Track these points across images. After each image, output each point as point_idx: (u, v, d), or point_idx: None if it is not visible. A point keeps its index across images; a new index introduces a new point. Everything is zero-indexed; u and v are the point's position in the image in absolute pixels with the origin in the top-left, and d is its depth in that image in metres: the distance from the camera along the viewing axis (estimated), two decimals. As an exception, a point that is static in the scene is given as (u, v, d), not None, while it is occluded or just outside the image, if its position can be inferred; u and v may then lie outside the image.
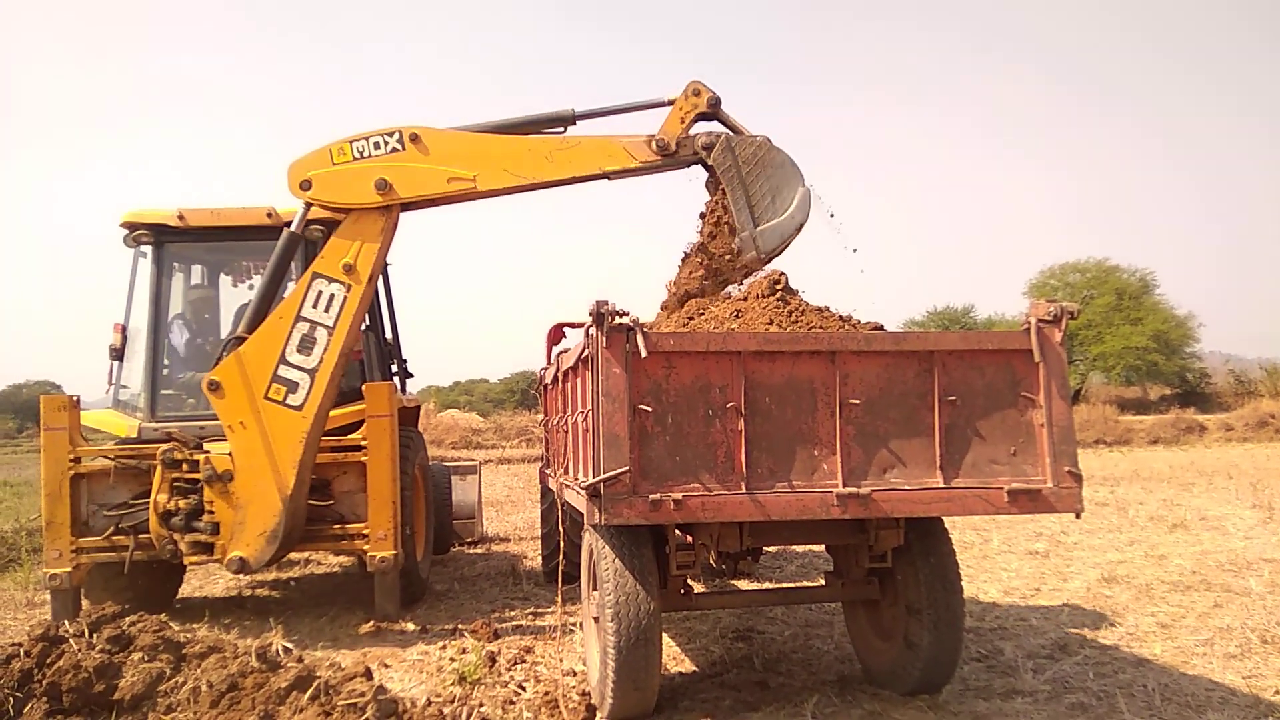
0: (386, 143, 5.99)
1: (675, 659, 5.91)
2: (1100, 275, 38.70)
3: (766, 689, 5.20)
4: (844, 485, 4.18)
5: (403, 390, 8.72)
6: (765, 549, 9.10)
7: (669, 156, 5.90)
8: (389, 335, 8.59)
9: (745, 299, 5.19)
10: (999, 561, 9.02)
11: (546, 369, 7.25)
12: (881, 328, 4.99)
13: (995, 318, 42.69)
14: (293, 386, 6.08)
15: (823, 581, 5.55)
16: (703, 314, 5.29)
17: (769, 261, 5.69)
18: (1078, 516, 4.38)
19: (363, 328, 7.90)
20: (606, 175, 6.01)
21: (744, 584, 8.01)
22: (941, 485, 4.25)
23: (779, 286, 5.14)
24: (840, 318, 4.99)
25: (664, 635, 6.28)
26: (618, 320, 4.15)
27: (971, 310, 44.79)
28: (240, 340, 6.14)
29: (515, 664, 5.71)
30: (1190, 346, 37.74)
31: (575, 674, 5.50)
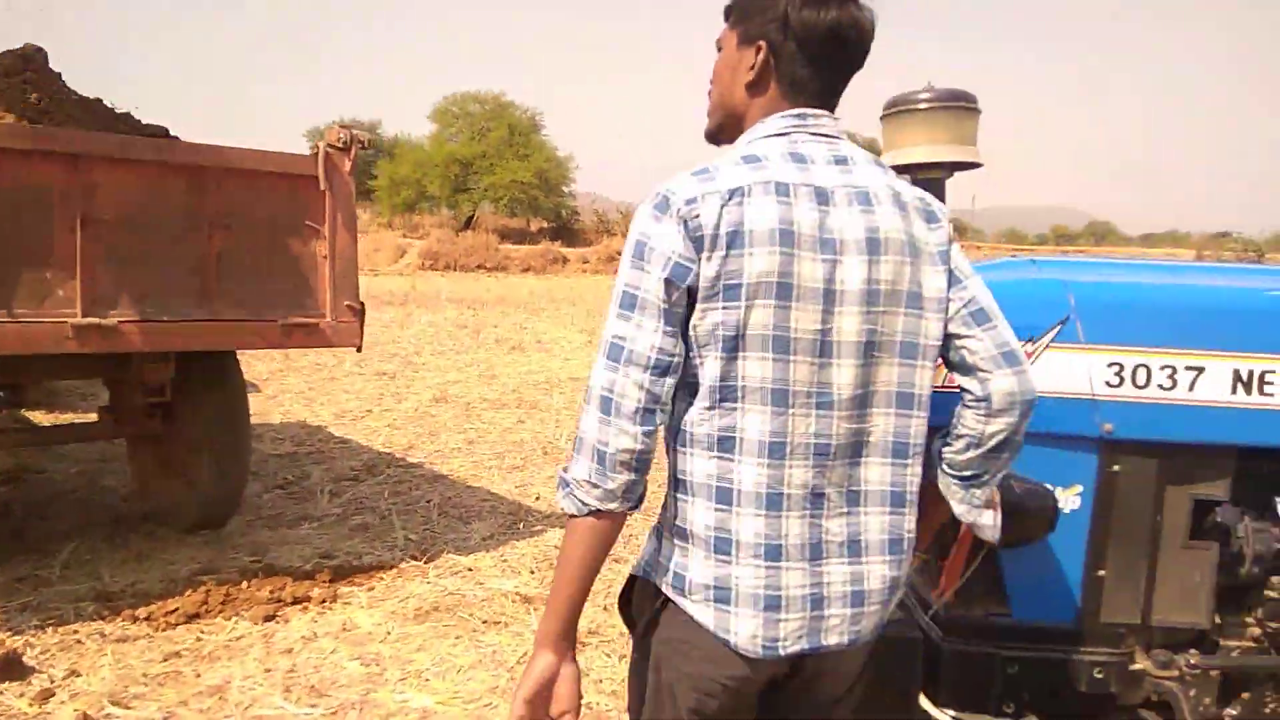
0: None
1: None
2: (497, 109, 40.87)
3: (20, 539, 4.51)
4: (83, 315, 3.57)
5: None
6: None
7: None
8: None
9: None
10: (344, 384, 9.13)
11: None
12: (167, 133, 4.36)
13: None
14: None
15: (95, 417, 4.92)
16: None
17: None
18: (358, 350, 4.39)
19: None
20: None
21: (39, 418, 6.94)
22: (209, 318, 3.89)
23: (31, 66, 4.16)
24: (115, 115, 4.24)
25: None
26: None
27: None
28: None
29: None
30: (568, 186, 42.18)
31: None
